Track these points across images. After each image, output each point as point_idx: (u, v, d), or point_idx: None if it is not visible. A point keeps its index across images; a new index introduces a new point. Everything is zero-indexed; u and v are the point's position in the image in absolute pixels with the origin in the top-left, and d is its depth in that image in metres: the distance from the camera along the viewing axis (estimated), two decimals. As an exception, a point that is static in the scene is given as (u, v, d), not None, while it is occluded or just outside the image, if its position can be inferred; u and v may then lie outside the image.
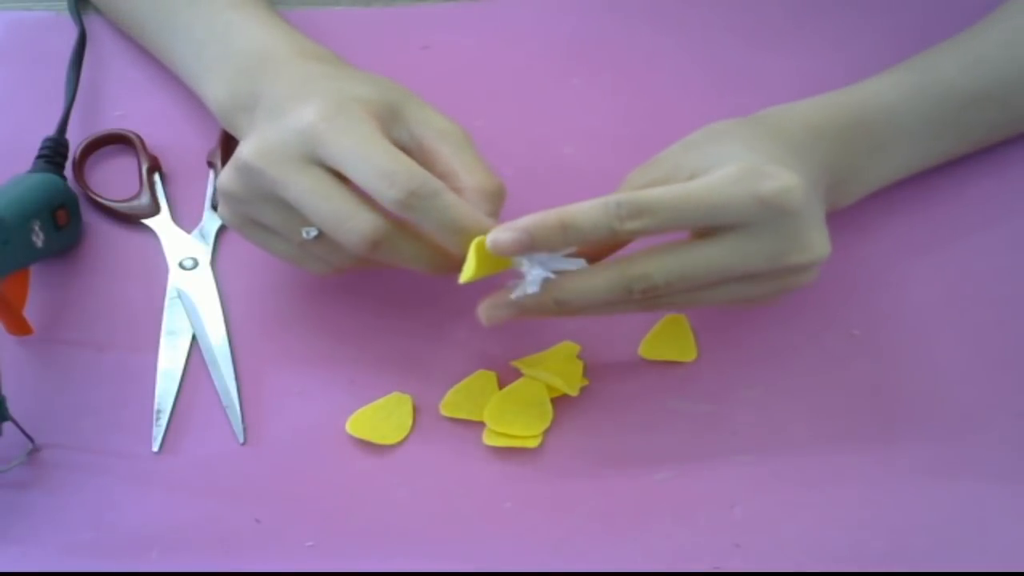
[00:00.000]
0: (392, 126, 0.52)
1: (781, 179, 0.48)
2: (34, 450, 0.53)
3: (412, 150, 0.52)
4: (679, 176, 0.50)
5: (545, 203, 0.61)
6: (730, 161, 0.49)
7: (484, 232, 0.48)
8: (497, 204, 0.52)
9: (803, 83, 0.64)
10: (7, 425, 0.51)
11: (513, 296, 0.49)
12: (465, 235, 0.49)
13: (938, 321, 0.57)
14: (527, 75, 0.66)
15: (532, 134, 0.64)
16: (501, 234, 0.47)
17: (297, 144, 0.50)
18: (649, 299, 0.49)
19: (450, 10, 0.69)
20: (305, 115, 0.50)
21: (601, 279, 0.48)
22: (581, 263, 0.49)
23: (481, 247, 0.48)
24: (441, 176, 0.51)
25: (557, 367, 0.55)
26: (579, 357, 0.56)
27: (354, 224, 0.49)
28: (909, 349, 0.56)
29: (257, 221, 0.53)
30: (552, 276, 0.48)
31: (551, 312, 0.49)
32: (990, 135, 0.61)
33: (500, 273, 0.49)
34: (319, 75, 0.54)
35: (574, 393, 0.54)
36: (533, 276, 0.48)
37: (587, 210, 0.47)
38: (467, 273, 0.48)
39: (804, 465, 0.53)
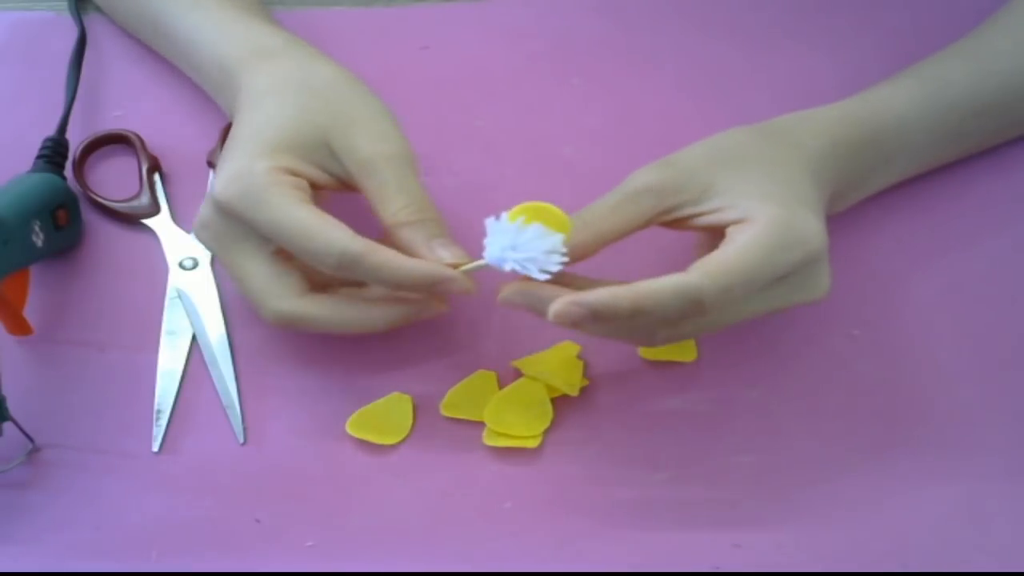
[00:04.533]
0: (323, 161, 0.52)
1: (818, 236, 0.49)
2: (34, 450, 0.53)
3: (347, 181, 0.53)
4: (692, 187, 0.50)
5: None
6: (754, 197, 0.49)
7: (423, 278, 0.49)
8: (429, 230, 0.51)
9: (802, 83, 0.64)
10: (7, 425, 0.51)
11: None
12: (406, 286, 0.50)
13: (938, 321, 0.57)
14: (527, 75, 0.66)
15: (532, 134, 0.64)
16: (568, 308, 0.46)
17: (221, 222, 0.52)
18: (671, 327, 0.49)
19: (450, 10, 0.69)
20: (217, 189, 0.51)
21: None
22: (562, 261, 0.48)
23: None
24: (372, 208, 0.52)
25: (557, 367, 0.55)
26: (579, 357, 0.56)
27: (263, 311, 0.52)
28: (909, 349, 0.56)
29: None
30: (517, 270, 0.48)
31: (583, 324, 0.47)
32: (988, 142, 0.61)
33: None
34: (254, 103, 0.54)
35: (574, 393, 0.54)
36: (497, 262, 0.48)
37: (666, 298, 0.46)
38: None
39: (804, 465, 0.53)
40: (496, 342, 0.56)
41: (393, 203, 0.51)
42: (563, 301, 0.46)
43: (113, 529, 0.51)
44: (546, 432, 0.54)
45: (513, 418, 0.53)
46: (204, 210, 0.53)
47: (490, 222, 0.48)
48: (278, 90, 0.54)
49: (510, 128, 0.64)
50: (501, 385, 0.55)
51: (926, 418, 0.54)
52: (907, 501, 0.52)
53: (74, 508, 0.52)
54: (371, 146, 0.52)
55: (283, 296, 0.51)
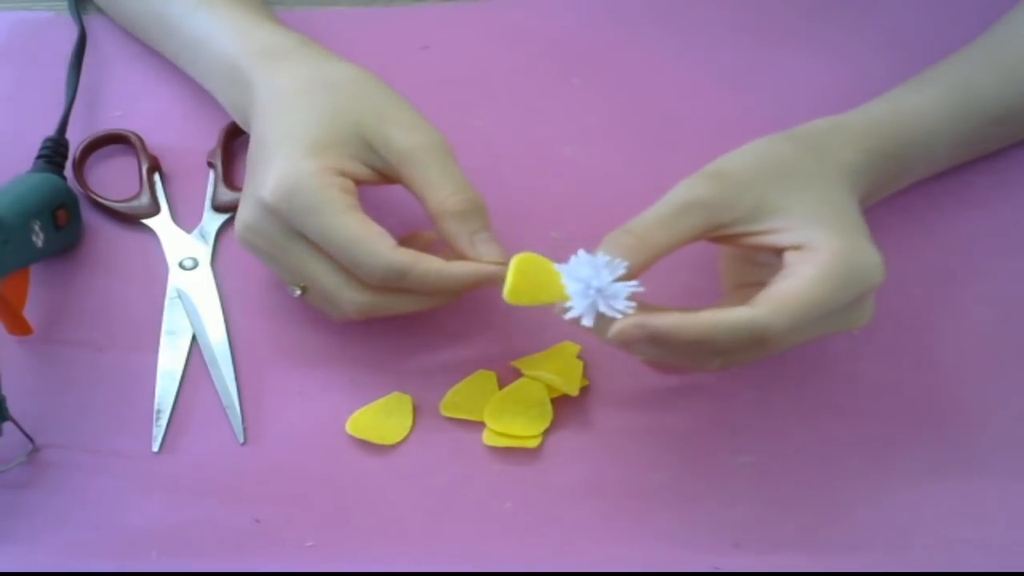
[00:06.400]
0: (362, 155, 0.52)
1: (878, 270, 0.48)
2: (34, 450, 0.53)
3: (388, 172, 0.53)
4: (743, 203, 0.48)
5: (544, 203, 0.61)
6: (814, 224, 0.48)
7: (468, 280, 0.50)
8: (474, 221, 0.51)
9: (806, 82, 0.64)
10: (7, 425, 0.51)
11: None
12: (452, 292, 0.51)
13: (938, 321, 0.57)
14: (527, 75, 0.66)
15: (532, 134, 0.64)
16: (629, 329, 0.45)
17: (273, 224, 0.51)
18: (728, 356, 0.48)
19: (450, 10, 0.69)
20: (266, 192, 0.50)
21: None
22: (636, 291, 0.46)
23: (521, 264, 0.47)
24: (417, 197, 0.52)
25: (557, 367, 0.55)
26: (579, 357, 0.56)
27: (342, 302, 0.52)
28: (909, 349, 0.56)
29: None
30: (607, 312, 0.46)
31: (640, 345, 0.47)
32: (1002, 145, 0.61)
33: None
34: (282, 104, 0.54)
35: (574, 393, 0.54)
36: (587, 308, 0.46)
37: (731, 332, 0.46)
38: (509, 293, 0.47)
39: (804, 465, 0.53)
40: (496, 342, 0.56)
41: (439, 192, 0.52)
42: (628, 322, 0.45)
43: (113, 529, 0.51)
44: (546, 432, 0.54)
45: (513, 418, 0.53)
46: (250, 214, 0.52)
47: (569, 266, 0.47)
48: (304, 90, 0.54)
49: (510, 128, 0.64)
50: (501, 385, 0.55)
51: (926, 418, 0.54)
52: (907, 500, 0.52)
53: (74, 508, 0.52)
54: (407, 136, 0.53)
55: (359, 286, 0.51)
